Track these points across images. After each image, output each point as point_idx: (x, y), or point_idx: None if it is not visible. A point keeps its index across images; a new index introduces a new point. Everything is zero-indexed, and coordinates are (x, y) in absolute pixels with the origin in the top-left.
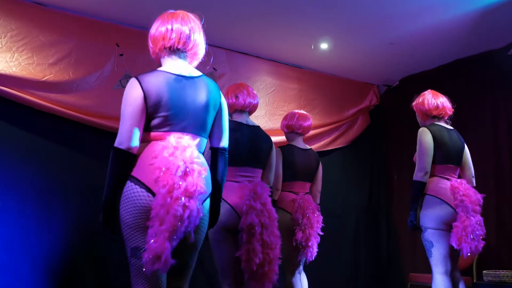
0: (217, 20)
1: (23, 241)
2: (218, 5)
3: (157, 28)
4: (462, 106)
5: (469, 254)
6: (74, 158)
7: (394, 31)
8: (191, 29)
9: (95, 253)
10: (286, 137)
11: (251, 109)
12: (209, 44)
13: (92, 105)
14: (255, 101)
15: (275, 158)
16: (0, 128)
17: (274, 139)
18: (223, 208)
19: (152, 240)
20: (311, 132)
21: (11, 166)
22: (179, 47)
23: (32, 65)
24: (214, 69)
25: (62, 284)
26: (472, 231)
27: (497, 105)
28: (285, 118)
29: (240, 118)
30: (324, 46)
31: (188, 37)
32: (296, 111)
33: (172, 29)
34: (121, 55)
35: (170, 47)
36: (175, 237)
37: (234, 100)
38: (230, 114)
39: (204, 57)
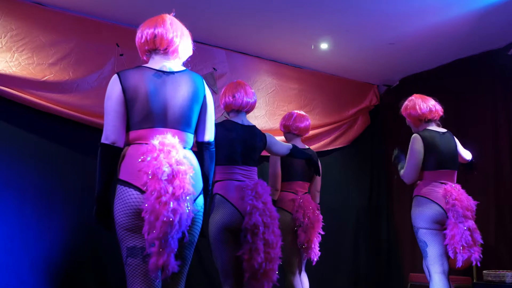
0: (217, 20)
1: (23, 241)
2: (218, 5)
3: (141, 33)
4: (462, 106)
5: (461, 264)
6: (74, 158)
7: (394, 31)
8: (173, 34)
9: (95, 253)
10: (284, 137)
11: (248, 109)
12: (209, 44)
13: (92, 105)
14: (253, 100)
15: (273, 158)
16: (0, 128)
17: None
18: (226, 208)
19: (153, 250)
20: (311, 132)
21: (11, 166)
22: (161, 50)
23: (32, 65)
24: (214, 69)
25: (62, 284)
26: (461, 239)
27: (497, 105)
28: (283, 118)
29: (236, 118)
30: (324, 46)
31: (172, 42)
32: (295, 111)
33: (154, 34)
34: (121, 55)
35: (153, 50)
36: (172, 241)
37: (231, 100)
38: (227, 113)
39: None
